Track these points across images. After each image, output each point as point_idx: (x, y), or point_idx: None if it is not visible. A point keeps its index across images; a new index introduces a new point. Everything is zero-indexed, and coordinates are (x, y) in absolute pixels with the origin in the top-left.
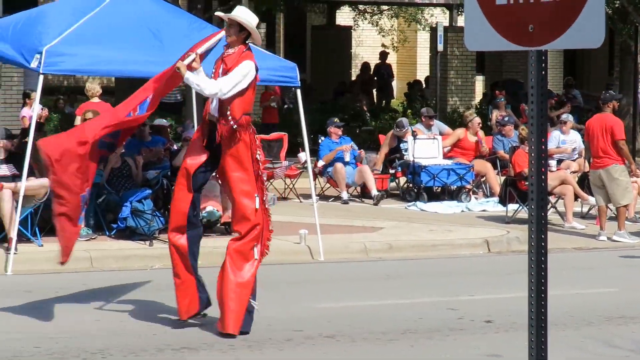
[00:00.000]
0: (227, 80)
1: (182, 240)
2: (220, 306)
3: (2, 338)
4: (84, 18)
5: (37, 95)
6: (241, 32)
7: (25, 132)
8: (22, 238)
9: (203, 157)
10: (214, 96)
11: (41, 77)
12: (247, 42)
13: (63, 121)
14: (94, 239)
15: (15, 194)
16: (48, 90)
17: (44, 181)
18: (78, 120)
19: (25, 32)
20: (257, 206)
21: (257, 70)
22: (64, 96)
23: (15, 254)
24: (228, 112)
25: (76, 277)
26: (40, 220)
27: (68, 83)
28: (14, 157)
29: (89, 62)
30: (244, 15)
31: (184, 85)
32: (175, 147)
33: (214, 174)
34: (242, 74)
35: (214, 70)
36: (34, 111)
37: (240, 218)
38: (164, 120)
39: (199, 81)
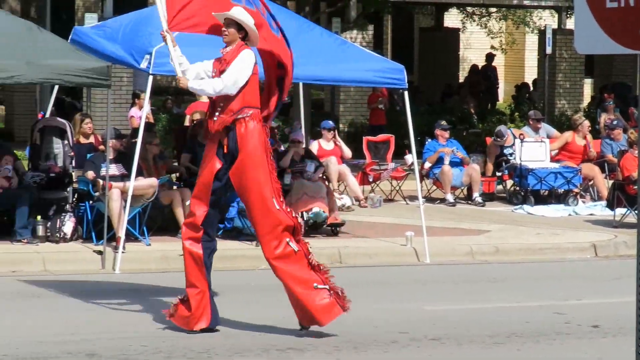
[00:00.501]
0: (228, 73)
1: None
2: (302, 312)
3: (109, 336)
4: None
5: (146, 95)
6: (239, 32)
7: (134, 132)
8: (130, 237)
9: (217, 166)
10: (219, 93)
11: (150, 78)
12: (244, 41)
13: (171, 121)
14: None
15: (123, 193)
16: (157, 91)
17: (152, 181)
18: (187, 121)
19: (135, 33)
20: (277, 207)
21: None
22: (172, 97)
23: (123, 252)
24: (227, 106)
25: (183, 276)
26: (148, 220)
27: (176, 84)
28: (123, 157)
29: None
30: (242, 15)
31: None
32: (282, 148)
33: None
34: (241, 61)
35: (214, 71)
36: (143, 111)
37: (261, 223)
38: (272, 122)
39: (201, 84)
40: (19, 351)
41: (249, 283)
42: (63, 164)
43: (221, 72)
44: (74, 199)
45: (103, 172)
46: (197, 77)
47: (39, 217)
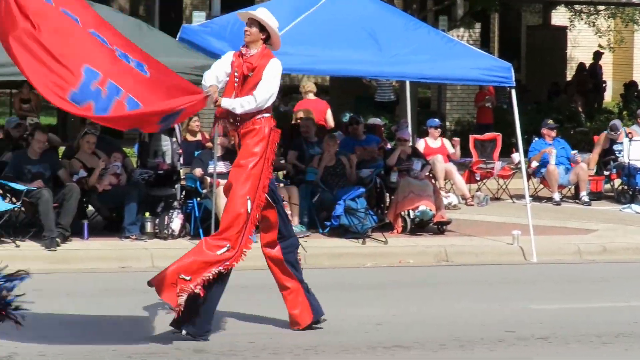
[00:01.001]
0: (262, 89)
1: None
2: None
3: (219, 333)
4: (300, 17)
5: None
6: (261, 32)
7: None
8: None
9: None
10: (251, 110)
11: None
12: (266, 44)
13: (278, 119)
14: (308, 236)
15: None
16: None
17: None
18: (294, 118)
19: (242, 31)
20: (249, 210)
21: None
22: (279, 94)
23: None
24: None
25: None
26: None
27: (283, 82)
28: (231, 154)
29: (304, 62)
30: (266, 16)
31: (397, 85)
32: (389, 146)
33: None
34: (273, 76)
35: (236, 72)
36: None
37: (228, 218)
38: (378, 120)
39: (236, 103)
40: (127, 347)
41: (356, 281)
42: (171, 161)
43: (245, 76)
44: (182, 196)
45: (211, 169)
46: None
47: (147, 214)
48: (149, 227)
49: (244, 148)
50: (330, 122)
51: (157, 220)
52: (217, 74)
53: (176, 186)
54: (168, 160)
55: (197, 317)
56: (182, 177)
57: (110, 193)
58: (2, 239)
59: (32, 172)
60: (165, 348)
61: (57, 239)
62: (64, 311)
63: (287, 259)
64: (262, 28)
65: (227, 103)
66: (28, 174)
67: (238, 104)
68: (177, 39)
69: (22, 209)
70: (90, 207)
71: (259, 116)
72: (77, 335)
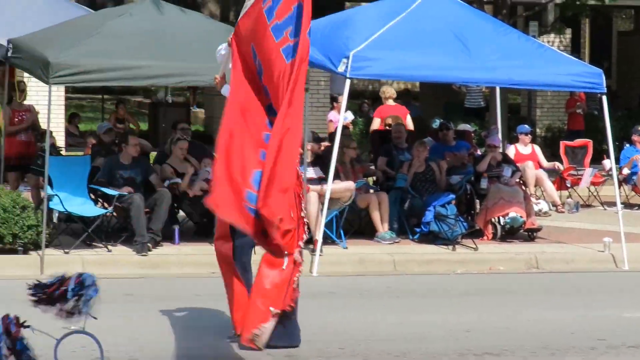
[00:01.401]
0: None
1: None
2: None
3: (307, 338)
4: (390, 23)
5: (344, 99)
6: None
7: (332, 135)
8: (327, 240)
9: None
10: None
11: (348, 82)
12: None
13: (367, 125)
14: (398, 242)
15: (321, 196)
16: (353, 94)
17: (350, 184)
18: (376, 124)
19: (332, 37)
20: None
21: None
22: (368, 100)
23: (320, 255)
24: None
25: (380, 279)
26: (345, 223)
27: (373, 87)
28: (321, 160)
29: (394, 67)
30: None
31: (487, 91)
32: (479, 152)
33: None
34: None
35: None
36: (341, 115)
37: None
38: (468, 126)
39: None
40: (220, 352)
41: (445, 287)
42: None
43: None
44: None
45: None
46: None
47: None
48: None
49: None
50: (410, 127)
51: None
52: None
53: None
54: None
55: (285, 329)
56: None
57: (201, 198)
58: (94, 243)
59: (124, 178)
60: (258, 354)
61: (149, 244)
62: (154, 316)
63: (240, 259)
64: None
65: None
66: (120, 180)
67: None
68: None
69: (114, 214)
70: (181, 213)
71: None
72: (167, 341)
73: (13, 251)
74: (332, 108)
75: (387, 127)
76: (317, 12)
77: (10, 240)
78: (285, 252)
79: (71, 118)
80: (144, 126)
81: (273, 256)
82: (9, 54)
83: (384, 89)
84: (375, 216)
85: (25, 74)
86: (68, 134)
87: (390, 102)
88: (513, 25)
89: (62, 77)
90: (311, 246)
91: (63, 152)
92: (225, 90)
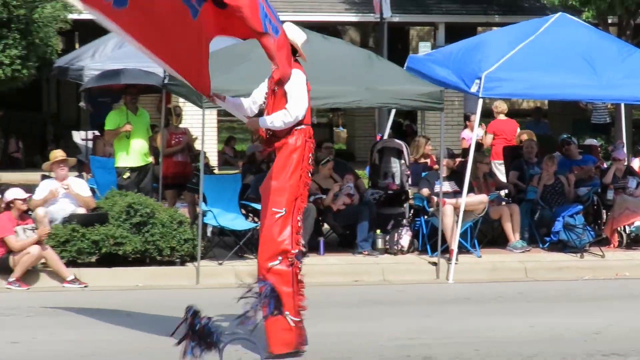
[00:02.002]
0: (292, 102)
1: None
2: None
3: (445, 341)
4: (520, 45)
5: (476, 117)
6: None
7: (465, 152)
8: (462, 249)
9: None
10: (292, 123)
11: (480, 101)
12: (296, 57)
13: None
14: (528, 251)
15: (456, 209)
16: (486, 113)
17: (483, 197)
18: (489, 139)
19: (465, 60)
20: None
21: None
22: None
23: (456, 264)
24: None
25: (512, 286)
26: (479, 233)
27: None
28: (455, 175)
29: (524, 86)
30: (292, 33)
31: (612, 107)
32: (604, 165)
33: None
34: (297, 85)
35: (266, 90)
36: (474, 133)
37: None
38: (594, 141)
39: (272, 119)
40: (352, 354)
41: (574, 292)
42: (400, 182)
43: (272, 90)
44: (410, 214)
45: (437, 189)
46: (252, 105)
47: (378, 231)
48: (380, 243)
49: (278, 161)
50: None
51: (388, 237)
52: (254, 98)
53: (405, 205)
54: (397, 181)
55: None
56: (410, 197)
57: (344, 212)
58: (245, 255)
59: None
60: (395, 355)
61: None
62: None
63: None
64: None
65: (263, 121)
66: None
67: (268, 121)
68: (404, 68)
69: None
70: (326, 226)
71: (295, 128)
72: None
73: (171, 263)
74: (466, 126)
75: (519, 143)
76: (452, 38)
77: (169, 252)
78: (280, 258)
79: (228, 141)
80: None
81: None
82: (166, 81)
83: (496, 104)
84: (507, 227)
85: (181, 99)
86: (224, 154)
87: (502, 116)
88: (637, 45)
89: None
90: (447, 255)
91: (216, 171)
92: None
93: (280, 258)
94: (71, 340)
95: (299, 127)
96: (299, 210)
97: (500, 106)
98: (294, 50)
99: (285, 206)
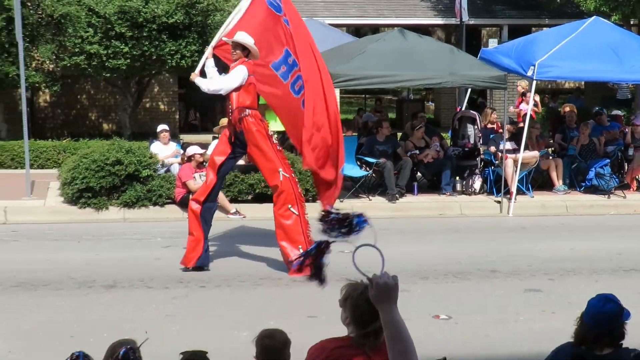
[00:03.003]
0: (224, 79)
1: (197, 207)
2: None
3: (505, 259)
4: (564, 41)
5: (531, 94)
6: (244, 51)
7: (522, 119)
8: (519, 191)
9: (227, 151)
10: (217, 92)
11: (534, 82)
12: (248, 58)
13: (547, 112)
14: (569, 193)
15: (515, 162)
16: (538, 91)
17: (535, 153)
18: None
19: (523, 51)
20: (281, 178)
21: (250, 74)
22: (548, 95)
23: (514, 202)
24: (234, 106)
25: (556, 219)
26: (532, 180)
27: (551, 86)
28: (515, 137)
29: (567, 71)
30: (244, 39)
31: (633, 87)
32: (627, 130)
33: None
34: (235, 73)
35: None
36: (529, 107)
37: (272, 188)
38: (619, 111)
39: (203, 83)
40: (437, 267)
41: (603, 224)
42: (474, 142)
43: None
44: (481, 165)
45: (501, 147)
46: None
47: (457, 178)
48: (458, 186)
49: (249, 140)
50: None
51: (464, 182)
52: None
53: (477, 159)
54: (472, 141)
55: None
56: (481, 153)
57: (432, 164)
58: (360, 195)
59: (380, 150)
60: (470, 268)
61: (397, 195)
62: (399, 246)
63: (203, 216)
64: (244, 48)
65: (198, 81)
66: (377, 151)
67: (202, 82)
68: (477, 58)
69: (373, 175)
70: (419, 174)
71: (245, 113)
72: (410, 261)
73: (307, 200)
74: (522, 101)
75: (563, 114)
76: (513, 36)
77: (304, 193)
78: (289, 205)
79: (358, 112)
80: (392, 115)
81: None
82: None
83: (520, 82)
84: (553, 175)
85: None
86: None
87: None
88: None
89: (339, 83)
90: (508, 196)
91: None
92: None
93: (289, 205)
94: (233, 254)
95: (249, 111)
96: (286, 165)
97: (521, 83)
98: (249, 52)
99: (280, 167)
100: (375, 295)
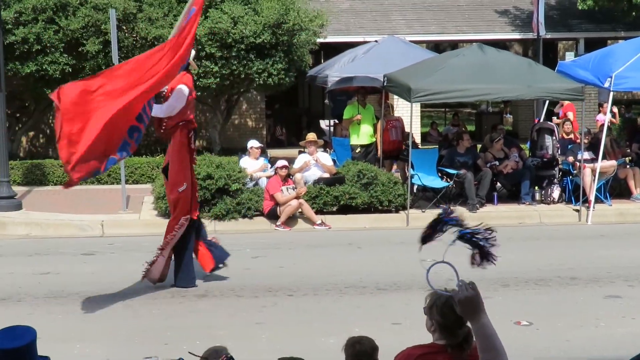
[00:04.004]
0: (169, 103)
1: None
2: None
3: (585, 266)
4: (638, 54)
5: (608, 105)
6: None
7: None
8: (597, 200)
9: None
10: (168, 115)
11: (611, 94)
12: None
13: (624, 121)
14: None
15: (593, 171)
16: (614, 102)
17: (613, 162)
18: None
19: (600, 63)
20: (180, 190)
21: (192, 88)
22: (624, 106)
23: (593, 210)
24: (165, 122)
25: (634, 226)
26: (610, 188)
27: (627, 97)
28: (593, 146)
29: None
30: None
31: None
32: None
33: None
34: (178, 95)
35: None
36: (606, 116)
37: (171, 201)
38: None
39: (155, 111)
40: (517, 275)
41: None
42: (552, 152)
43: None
44: (559, 175)
45: (579, 157)
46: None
47: (536, 187)
48: (537, 196)
49: (170, 148)
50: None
51: (543, 191)
52: None
53: (555, 169)
54: (550, 151)
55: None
56: (559, 163)
57: (511, 174)
58: (440, 205)
59: (460, 162)
60: (542, 276)
61: (477, 205)
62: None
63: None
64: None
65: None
66: (457, 163)
67: (158, 111)
68: (555, 71)
69: (454, 186)
70: (498, 184)
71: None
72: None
73: (388, 211)
74: (599, 112)
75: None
76: (589, 48)
77: (387, 204)
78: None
79: (432, 125)
80: (471, 128)
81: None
82: (385, 83)
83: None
84: (631, 183)
85: (395, 96)
86: (429, 135)
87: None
88: None
89: (419, 97)
90: (586, 204)
91: (420, 146)
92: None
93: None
94: (319, 264)
95: (181, 123)
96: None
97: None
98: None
99: (185, 181)
100: (461, 311)
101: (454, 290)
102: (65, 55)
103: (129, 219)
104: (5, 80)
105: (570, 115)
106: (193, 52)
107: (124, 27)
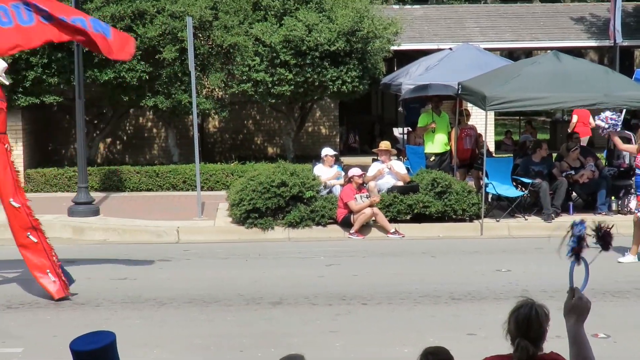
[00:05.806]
0: None
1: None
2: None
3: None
4: None
5: None
6: None
7: None
8: None
9: None
10: None
11: None
12: None
13: None
14: None
15: None
16: None
17: None
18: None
19: None
20: (17, 205)
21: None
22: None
23: None
24: None
25: None
26: None
27: None
28: None
29: None
30: None
31: None
32: None
33: None
34: None
35: None
36: None
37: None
38: None
39: None
40: (596, 286)
41: None
42: (629, 162)
43: None
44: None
45: None
46: None
47: (613, 197)
48: (614, 206)
49: None
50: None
51: (619, 201)
52: None
53: (634, 178)
54: (627, 161)
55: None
56: (637, 173)
57: (587, 184)
58: (516, 215)
59: (535, 171)
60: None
61: (552, 215)
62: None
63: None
64: None
65: None
66: (532, 172)
67: None
68: (632, 79)
69: (528, 195)
70: (574, 194)
71: None
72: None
73: (462, 220)
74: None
75: None
76: None
77: (461, 213)
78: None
79: (506, 134)
80: (546, 136)
81: None
82: (459, 92)
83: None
84: None
85: (469, 104)
86: (504, 143)
87: None
88: None
89: (494, 106)
90: None
91: (494, 155)
92: None
93: (27, 233)
94: (393, 273)
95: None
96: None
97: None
98: None
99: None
100: (570, 305)
101: (578, 288)
102: (143, 63)
103: (204, 226)
104: (84, 87)
105: None
106: (5, 65)
107: (200, 35)
